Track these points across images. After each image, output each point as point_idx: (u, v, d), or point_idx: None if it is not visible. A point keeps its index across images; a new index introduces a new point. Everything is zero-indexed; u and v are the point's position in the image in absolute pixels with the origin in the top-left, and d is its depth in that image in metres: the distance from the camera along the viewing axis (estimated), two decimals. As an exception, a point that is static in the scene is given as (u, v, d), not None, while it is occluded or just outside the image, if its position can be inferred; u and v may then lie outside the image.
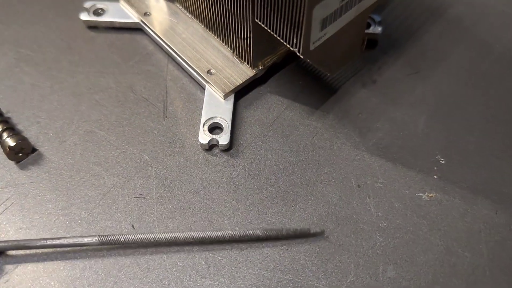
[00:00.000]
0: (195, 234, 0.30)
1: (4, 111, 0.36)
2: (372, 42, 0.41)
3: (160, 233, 0.30)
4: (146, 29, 0.41)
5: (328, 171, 0.34)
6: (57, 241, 0.30)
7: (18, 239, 0.31)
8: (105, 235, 0.30)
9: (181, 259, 0.30)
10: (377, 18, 0.41)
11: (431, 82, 0.39)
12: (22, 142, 0.34)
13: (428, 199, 0.33)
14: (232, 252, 0.31)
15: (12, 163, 0.34)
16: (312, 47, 0.31)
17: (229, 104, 0.36)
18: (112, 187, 0.33)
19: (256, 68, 0.38)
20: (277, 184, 0.34)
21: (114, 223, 0.32)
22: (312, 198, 0.33)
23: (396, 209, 0.32)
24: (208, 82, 0.37)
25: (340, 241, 0.31)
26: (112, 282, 0.29)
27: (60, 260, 0.30)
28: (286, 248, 0.31)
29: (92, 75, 0.39)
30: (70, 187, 0.33)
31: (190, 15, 0.41)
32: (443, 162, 0.35)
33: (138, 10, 0.42)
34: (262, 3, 0.30)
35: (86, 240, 0.30)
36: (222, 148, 0.35)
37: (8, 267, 0.30)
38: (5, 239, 0.31)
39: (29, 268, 0.30)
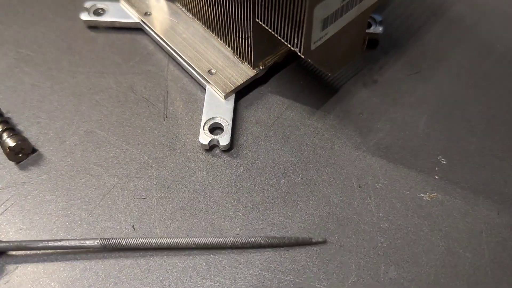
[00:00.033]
0: (197, 240, 0.30)
1: (4, 111, 0.36)
2: (373, 42, 0.41)
3: (161, 238, 0.30)
4: (146, 29, 0.41)
5: (329, 171, 0.34)
6: (59, 243, 0.30)
7: (18, 239, 0.31)
8: (107, 239, 0.30)
9: (181, 260, 0.30)
10: (378, 18, 0.41)
11: (432, 82, 0.39)
12: (22, 143, 0.34)
13: (429, 199, 0.33)
14: (233, 253, 0.31)
15: (12, 163, 0.34)
16: (313, 47, 0.31)
17: (229, 104, 0.36)
18: (113, 188, 0.33)
19: (256, 68, 0.37)
20: (278, 185, 0.33)
21: (114, 223, 0.32)
22: (313, 199, 0.33)
23: (397, 209, 0.32)
24: (209, 82, 0.37)
25: (341, 242, 0.31)
26: (112, 283, 0.29)
27: (60, 261, 0.30)
28: (287, 249, 0.31)
29: (92, 75, 0.39)
30: (70, 188, 0.33)
31: (190, 15, 0.41)
32: (444, 162, 0.34)
33: (138, 10, 0.41)
34: (263, 3, 0.30)
35: (87, 243, 0.30)
36: (223, 149, 0.35)
37: (9, 268, 0.30)
38: (5, 239, 0.31)
39: (29, 269, 0.30)
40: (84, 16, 0.42)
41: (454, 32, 0.42)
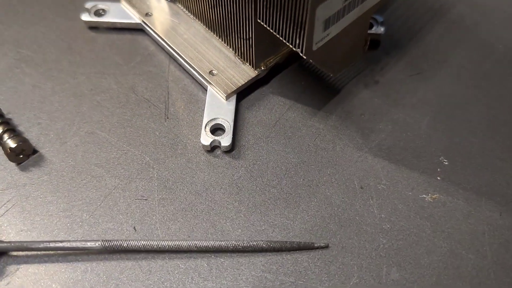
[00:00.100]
0: (199, 243, 0.30)
1: (5, 112, 0.36)
2: (374, 42, 0.41)
3: (163, 240, 0.30)
4: (147, 30, 0.41)
5: (330, 172, 0.34)
6: (60, 244, 0.30)
7: (19, 240, 0.31)
8: (108, 241, 0.30)
9: (183, 261, 0.30)
10: (379, 18, 0.40)
11: (434, 83, 0.39)
12: (23, 144, 0.34)
13: (431, 200, 0.33)
14: (235, 255, 0.30)
15: (13, 164, 0.34)
16: (315, 48, 0.31)
17: (231, 105, 0.36)
18: (114, 189, 0.33)
19: (258, 69, 0.37)
20: (280, 186, 0.33)
21: (115, 225, 0.32)
22: (315, 200, 0.33)
23: (399, 210, 0.32)
24: (210, 83, 0.37)
25: (343, 243, 0.31)
26: (113, 285, 0.29)
27: (61, 262, 0.30)
28: (289, 251, 0.31)
29: (93, 76, 0.39)
30: (71, 189, 0.33)
31: (191, 16, 0.41)
32: (446, 163, 0.34)
33: (139, 11, 0.41)
34: (265, 4, 0.30)
35: (89, 244, 0.30)
36: (224, 150, 0.35)
37: (10, 269, 0.30)
38: (6, 240, 0.31)
39: (30, 270, 0.30)
40: (85, 17, 0.42)
41: (455, 32, 0.42)
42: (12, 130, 0.35)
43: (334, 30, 0.31)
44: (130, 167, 0.34)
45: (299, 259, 0.30)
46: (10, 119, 0.36)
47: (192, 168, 0.34)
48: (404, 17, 0.43)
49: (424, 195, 0.33)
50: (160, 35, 0.40)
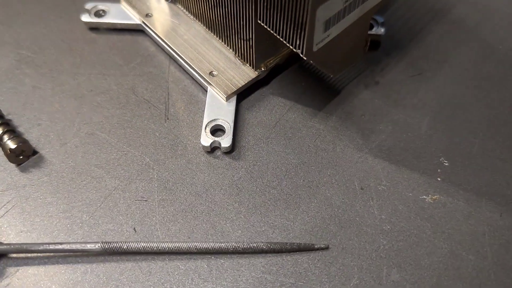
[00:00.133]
0: (199, 244, 0.30)
1: (5, 113, 0.36)
2: (375, 43, 0.41)
3: (163, 242, 0.30)
4: (147, 31, 0.41)
5: (331, 173, 0.34)
6: (60, 246, 0.30)
7: (19, 242, 0.31)
8: (108, 242, 0.30)
9: (183, 262, 0.30)
10: (380, 19, 0.40)
11: (434, 84, 0.39)
12: (23, 145, 0.34)
13: (431, 201, 0.33)
14: (235, 256, 0.30)
15: (13, 165, 0.34)
16: (315, 49, 0.31)
17: (231, 106, 0.36)
18: (114, 190, 0.33)
19: (258, 70, 0.37)
20: (280, 187, 0.33)
21: (115, 226, 0.32)
22: (315, 201, 0.33)
23: (399, 211, 0.32)
24: (210, 84, 0.37)
25: (343, 244, 0.31)
26: (113, 286, 0.29)
27: (61, 264, 0.30)
28: (289, 252, 0.31)
29: (93, 77, 0.39)
30: (71, 190, 0.33)
31: (192, 16, 0.41)
32: (446, 164, 0.34)
33: (139, 12, 0.41)
34: (265, 4, 0.30)
35: (88, 246, 0.29)
36: (224, 151, 0.35)
37: (9, 271, 0.30)
38: (6, 242, 0.31)
39: (30, 272, 0.30)
40: (85, 18, 0.42)
41: (455, 33, 0.42)
42: (12, 131, 0.35)
43: (335, 31, 0.31)
44: (130, 168, 0.34)
45: (299, 260, 0.30)
46: (10, 120, 0.36)
47: (192, 169, 0.34)
48: (405, 17, 0.43)
49: (424, 196, 0.33)
50: (160, 36, 0.40)
